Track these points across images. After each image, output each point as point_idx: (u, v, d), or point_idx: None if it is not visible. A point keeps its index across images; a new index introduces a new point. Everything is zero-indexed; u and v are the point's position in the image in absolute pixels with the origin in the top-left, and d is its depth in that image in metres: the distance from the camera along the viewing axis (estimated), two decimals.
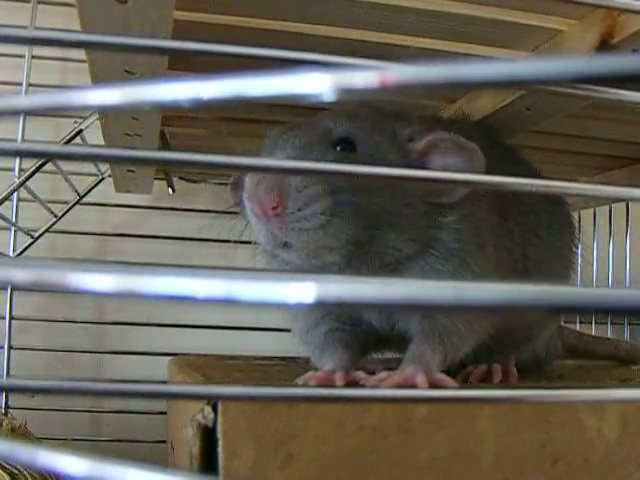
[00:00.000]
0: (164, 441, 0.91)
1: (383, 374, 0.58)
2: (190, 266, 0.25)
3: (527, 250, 0.73)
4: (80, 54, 0.63)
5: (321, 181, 0.57)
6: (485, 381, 0.72)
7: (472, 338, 0.65)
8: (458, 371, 0.73)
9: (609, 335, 1.36)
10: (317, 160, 0.58)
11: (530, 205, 0.75)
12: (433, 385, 0.57)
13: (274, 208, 0.56)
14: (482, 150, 0.70)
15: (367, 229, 0.60)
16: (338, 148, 0.61)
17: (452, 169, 0.61)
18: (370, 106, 0.67)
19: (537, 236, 0.75)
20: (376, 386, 0.56)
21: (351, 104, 0.69)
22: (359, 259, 0.61)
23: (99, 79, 0.64)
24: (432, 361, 0.61)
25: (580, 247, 0.89)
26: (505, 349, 0.77)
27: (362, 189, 0.59)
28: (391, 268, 0.63)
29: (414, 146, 0.63)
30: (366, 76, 0.24)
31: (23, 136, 1.15)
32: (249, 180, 0.58)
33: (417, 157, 0.63)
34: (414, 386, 0.55)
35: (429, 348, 0.62)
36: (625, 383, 0.76)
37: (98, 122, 0.86)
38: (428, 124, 0.66)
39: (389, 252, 0.62)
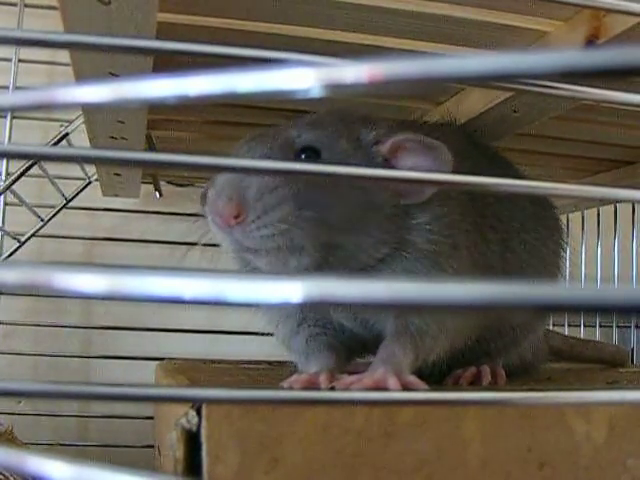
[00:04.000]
0: (152, 446, 0.90)
1: (353, 377, 0.58)
2: (178, 268, 0.24)
3: (508, 252, 0.73)
4: (67, 57, 0.63)
5: (282, 188, 0.57)
6: (474, 383, 0.72)
7: (446, 339, 0.65)
8: (446, 374, 0.73)
9: (598, 338, 1.36)
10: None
11: (513, 208, 0.75)
12: (404, 388, 0.56)
13: (235, 217, 0.57)
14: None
15: (333, 234, 0.60)
16: (302, 156, 0.61)
17: (420, 169, 0.61)
18: (338, 112, 0.67)
19: (521, 239, 0.75)
20: (346, 389, 0.56)
21: (320, 111, 0.69)
22: (328, 264, 0.61)
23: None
24: (403, 361, 0.60)
25: (568, 250, 0.89)
26: (493, 352, 0.77)
27: (326, 194, 0.59)
28: (362, 272, 0.63)
29: (380, 149, 0.63)
30: (355, 70, 0.24)
31: (10, 138, 1.15)
32: (210, 192, 0.59)
33: (383, 159, 0.63)
34: (386, 389, 0.55)
35: (400, 348, 0.61)
36: (612, 385, 0.75)
37: (84, 126, 0.86)
38: (396, 126, 0.66)
39: (358, 256, 0.62)
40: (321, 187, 0.59)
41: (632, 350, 1.34)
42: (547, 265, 0.81)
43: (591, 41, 0.62)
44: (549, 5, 0.64)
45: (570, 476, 0.57)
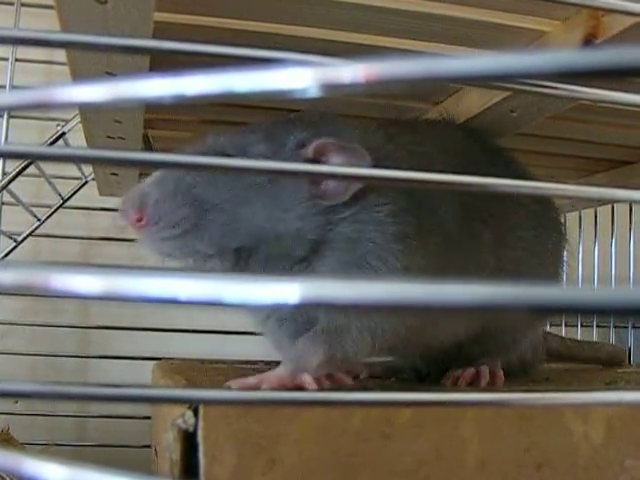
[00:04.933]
0: (149, 446, 0.90)
1: (253, 378, 0.60)
2: (175, 269, 0.24)
3: (504, 248, 0.73)
4: (64, 57, 0.63)
5: (183, 194, 0.61)
6: (472, 384, 0.72)
7: (374, 338, 0.64)
8: (443, 374, 0.73)
9: (595, 337, 1.36)
10: (179, 182, 0.62)
11: (512, 203, 0.75)
12: (295, 387, 0.58)
13: (138, 221, 0.61)
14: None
15: (244, 239, 0.62)
16: None
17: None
18: (289, 118, 0.68)
19: (518, 237, 0.75)
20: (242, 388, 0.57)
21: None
22: (248, 266, 0.63)
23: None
24: (313, 359, 0.61)
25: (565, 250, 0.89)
26: (491, 352, 0.77)
27: (234, 200, 0.61)
28: (298, 266, 0.64)
29: (303, 152, 0.63)
30: (352, 70, 0.24)
31: (7, 137, 1.15)
32: (120, 200, 0.64)
33: (308, 162, 0.63)
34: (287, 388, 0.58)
35: (311, 346, 0.62)
36: (610, 386, 0.75)
37: (81, 125, 0.86)
38: (331, 127, 0.66)
39: (280, 256, 0.63)
40: (230, 193, 0.61)
41: (629, 350, 1.34)
42: (546, 263, 0.80)
43: (589, 41, 0.62)
44: (547, 5, 0.63)
45: (568, 477, 0.57)
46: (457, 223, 0.68)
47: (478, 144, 0.80)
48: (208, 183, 0.61)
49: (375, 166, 0.61)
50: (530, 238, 0.76)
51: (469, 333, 0.72)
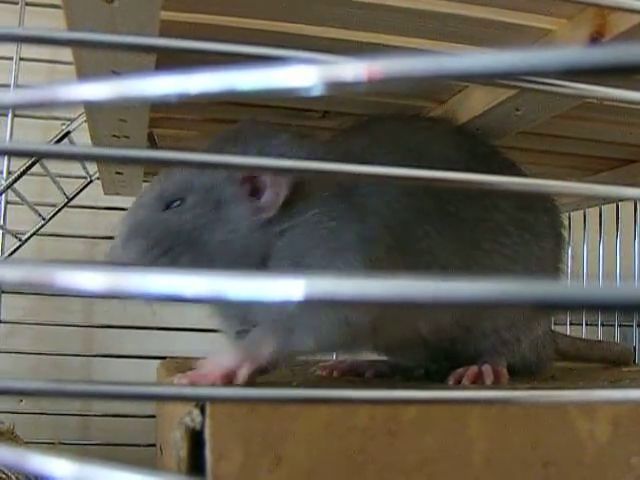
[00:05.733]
0: (154, 445, 0.90)
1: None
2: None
3: (473, 255, 0.73)
4: (68, 56, 0.63)
5: (146, 237, 0.64)
6: (476, 382, 0.72)
7: (323, 333, 0.65)
8: (448, 372, 0.73)
9: (600, 336, 1.36)
10: (142, 222, 0.65)
11: (488, 209, 0.75)
12: (226, 379, 0.59)
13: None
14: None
15: (204, 261, 0.64)
16: (176, 203, 0.66)
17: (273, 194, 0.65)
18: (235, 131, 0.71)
19: (498, 243, 0.74)
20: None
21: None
22: None
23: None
24: (259, 352, 0.63)
25: (570, 249, 0.88)
26: (494, 351, 0.77)
27: (184, 232, 0.64)
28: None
29: (238, 175, 0.66)
30: (355, 68, 0.24)
31: (11, 136, 1.15)
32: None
33: (244, 181, 0.66)
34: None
35: (259, 339, 0.64)
36: (615, 384, 0.75)
37: (86, 124, 0.86)
38: (266, 145, 0.68)
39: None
40: (182, 227, 0.64)
41: (634, 349, 1.34)
42: (534, 270, 0.79)
43: (595, 39, 0.61)
44: (553, 3, 0.63)
45: (574, 474, 0.56)
46: (405, 229, 0.68)
47: (464, 151, 0.79)
48: (160, 224, 0.64)
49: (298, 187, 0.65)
50: (512, 245, 0.75)
51: (454, 331, 0.72)
